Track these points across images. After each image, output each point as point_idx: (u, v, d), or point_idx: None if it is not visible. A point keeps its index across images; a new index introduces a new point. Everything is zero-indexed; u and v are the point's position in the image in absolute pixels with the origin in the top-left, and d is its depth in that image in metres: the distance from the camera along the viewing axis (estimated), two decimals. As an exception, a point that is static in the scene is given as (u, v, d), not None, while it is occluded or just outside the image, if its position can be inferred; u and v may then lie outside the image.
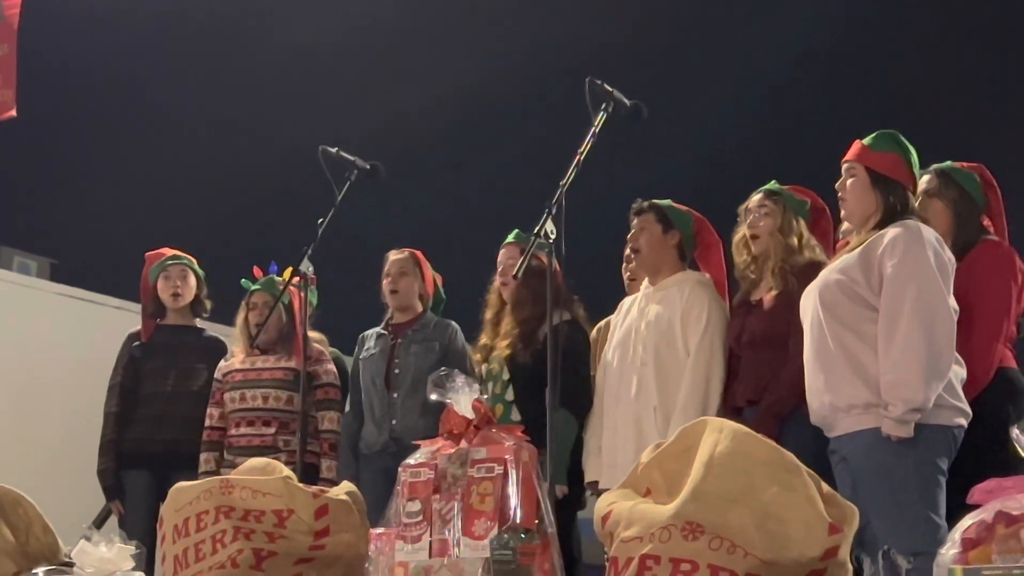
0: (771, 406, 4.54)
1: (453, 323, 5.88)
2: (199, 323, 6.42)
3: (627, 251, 5.43)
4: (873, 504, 3.91)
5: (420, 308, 5.93)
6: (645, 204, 5.22)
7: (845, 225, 4.51)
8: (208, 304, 6.40)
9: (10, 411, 7.95)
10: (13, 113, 6.37)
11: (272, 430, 5.74)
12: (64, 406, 7.99)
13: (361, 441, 5.77)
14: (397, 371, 5.71)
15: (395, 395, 5.67)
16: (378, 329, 5.93)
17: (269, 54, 11.51)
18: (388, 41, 11.56)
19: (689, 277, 5.08)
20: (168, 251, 6.30)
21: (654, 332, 4.95)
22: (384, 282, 5.90)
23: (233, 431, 5.83)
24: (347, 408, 5.94)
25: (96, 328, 8.21)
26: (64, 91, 10.79)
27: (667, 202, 5.22)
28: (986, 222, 4.60)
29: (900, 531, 3.86)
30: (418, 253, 5.98)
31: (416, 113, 11.39)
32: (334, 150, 5.10)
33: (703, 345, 4.84)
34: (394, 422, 5.63)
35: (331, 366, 5.94)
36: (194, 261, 6.33)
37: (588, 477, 5.06)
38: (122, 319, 7.82)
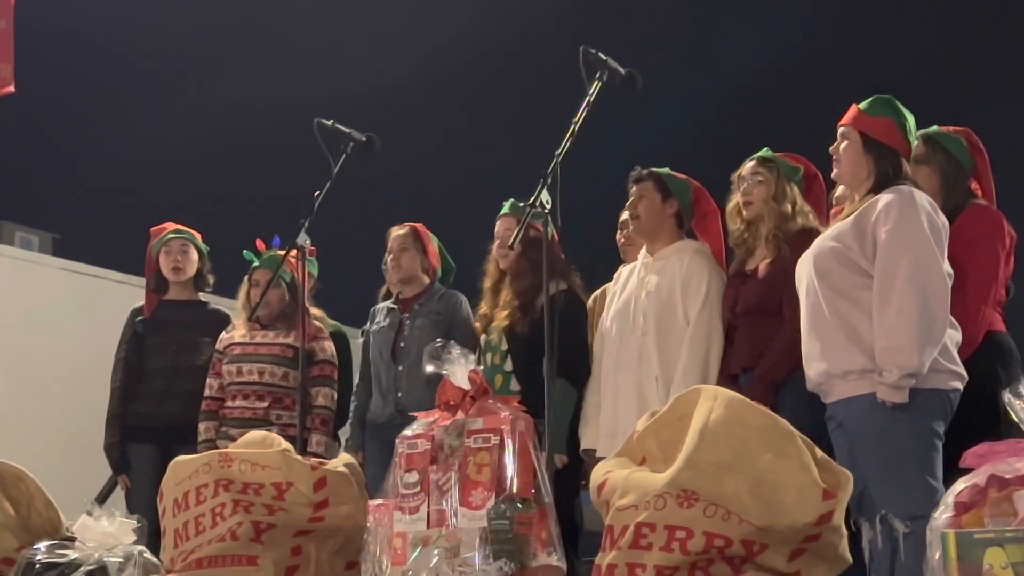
0: (765, 373, 4.55)
1: (459, 294, 5.90)
2: (204, 297, 6.43)
3: (622, 217, 5.44)
4: (870, 469, 3.92)
5: (427, 281, 5.95)
6: (644, 172, 5.22)
7: (839, 191, 4.49)
8: (211, 278, 6.41)
9: (13, 386, 7.97)
10: (12, 89, 6.37)
11: (265, 404, 5.78)
12: (67, 381, 8.01)
13: (369, 412, 5.81)
14: (403, 344, 5.75)
15: (400, 368, 5.71)
16: (389, 303, 5.96)
17: (266, 27, 11.49)
18: (377, 8, 11.54)
19: (687, 246, 5.08)
20: (171, 225, 6.31)
21: (654, 301, 4.96)
22: (387, 258, 5.92)
23: (229, 403, 5.86)
24: (357, 380, 6.00)
25: (99, 303, 8.22)
26: (64, 65, 10.77)
27: (666, 170, 5.22)
28: (974, 186, 4.59)
29: (897, 496, 3.87)
30: (419, 227, 5.99)
31: (411, 80, 11.39)
32: (329, 122, 5.09)
33: (703, 315, 4.85)
34: (400, 394, 5.67)
35: (328, 344, 5.96)
36: (196, 235, 6.33)
37: (584, 445, 5.07)
38: (125, 293, 7.85)
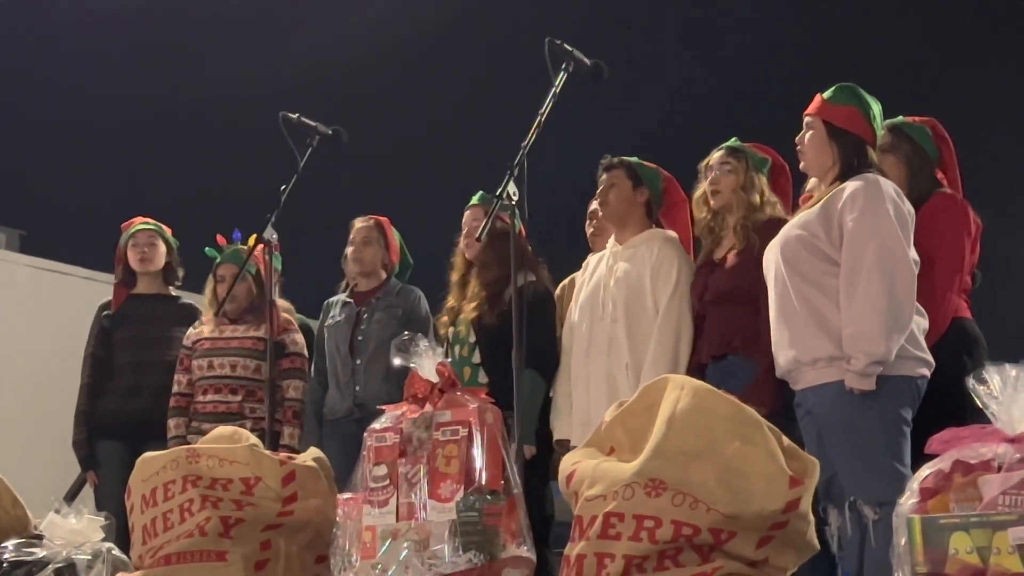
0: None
1: (417, 289, 5.89)
2: (174, 292, 6.39)
3: (591, 207, 5.45)
4: (838, 456, 3.94)
5: (384, 275, 5.94)
6: (615, 160, 5.24)
7: (811, 182, 4.51)
8: (180, 272, 6.38)
9: (-19, 384, 7.94)
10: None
11: (239, 398, 5.76)
12: (35, 378, 7.98)
13: (325, 407, 5.79)
14: (360, 338, 5.73)
15: (358, 361, 5.70)
16: (343, 296, 5.94)
17: (225, 17, 11.44)
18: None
19: (657, 235, 5.09)
20: (140, 219, 6.28)
21: (624, 289, 4.97)
22: (348, 250, 5.90)
23: (200, 398, 5.83)
24: (312, 374, 5.96)
25: (67, 299, 8.20)
26: (29, 63, 10.71)
27: (635, 159, 5.23)
28: (940, 175, 4.62)
29: (866, 482, 3.89)
30: (383, 220, 5.97)
31: (377, 68, 11.36)
32: (295, 116, 5.07)
33: (672, 304, 4.86)
34: (358, 388, 5.66)
35: (298, 336, 5.95)
36: (165, 228, 6.30)
37: (557, 435, 5.08)
38: (93, 290, 7.81)
